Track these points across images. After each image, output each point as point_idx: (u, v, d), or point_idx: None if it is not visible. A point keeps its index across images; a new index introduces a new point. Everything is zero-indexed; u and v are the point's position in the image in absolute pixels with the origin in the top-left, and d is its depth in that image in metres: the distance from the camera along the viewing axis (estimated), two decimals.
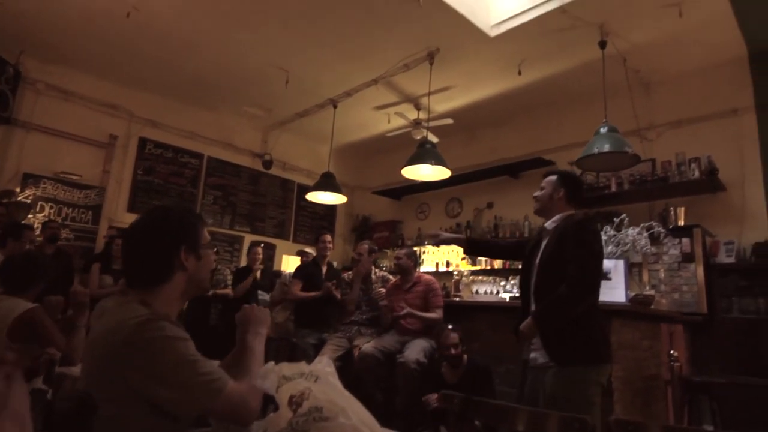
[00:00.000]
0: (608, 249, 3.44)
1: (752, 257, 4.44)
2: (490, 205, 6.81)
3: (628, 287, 3.19)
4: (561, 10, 4.26)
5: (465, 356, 3.08)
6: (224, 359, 1.38)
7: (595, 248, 2.19)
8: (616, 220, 3.66)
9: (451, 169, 4.86)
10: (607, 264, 2.97)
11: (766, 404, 3.64)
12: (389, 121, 6.64)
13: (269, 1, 4.46)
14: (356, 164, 8.62)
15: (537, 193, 2.43)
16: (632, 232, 3.57)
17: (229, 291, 5.29)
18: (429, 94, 5.38)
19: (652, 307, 3.36)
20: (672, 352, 3.55)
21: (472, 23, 4.58)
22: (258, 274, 5.24)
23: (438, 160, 4.68)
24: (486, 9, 4.74)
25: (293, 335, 4.37)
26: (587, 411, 2.00)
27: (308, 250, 5.35)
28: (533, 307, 2.26)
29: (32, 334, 2.27)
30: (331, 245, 4.57)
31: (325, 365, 1.36)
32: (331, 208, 8.27)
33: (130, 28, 4.83)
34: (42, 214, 5.51)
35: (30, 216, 5.38)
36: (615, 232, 3.60)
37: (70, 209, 5.74)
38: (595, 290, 2.16)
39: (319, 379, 1.29)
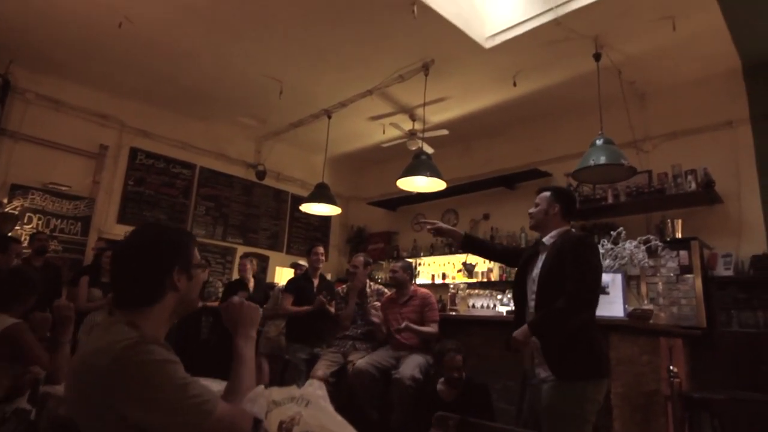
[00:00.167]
0: (606, 262, 3.42)
1: (750, 270, 4.41)
2: (486, 217, 6.77)
3: (626, 301, 3.16)
4: (555, 22, 4.28)
5: (463, 373, 3.01)
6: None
7: (593, 263, 2.21)
8: (614, 233, 3.65)
9: (446, 181, 4.84)
10: (605, 278, 2.96)
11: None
12: (384, 132, 6.62)
13: (263, 12, 4.43)
14: (351, 175, 8.58)
15: (532, 210, 2.46)
16: (629, 245, 3.55)
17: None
18: (424, 104, 5.35)
19: (651, 321, 3.31)
20: (671, 367, 3.50)
21: (467, 35, 4.59)
22: (251, 286, 5.16)
23: (433, 172, 4.66)
24: (481, 21, 4.75)
25: (285, 351, 4.27)
26: (581, 428, 2.06)
27: (302, 262, 5.28)
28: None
29: (15, 352, 2.18)
30: (323, 257, 4.49)
31: (316, 388, 1.30)
32: (326, 219, 8.20)
33: (122, 38, 4.79)
34: (30, 226, 5.41)
35: (17, 228, 5.28)
36: (612, 246, 3.58)
37: (59, 221, 5.65)
38: (592, 305, 2.17)
39: (311, 403, 1.23)
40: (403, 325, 3.46)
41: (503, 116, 6.21)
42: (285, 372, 4.14)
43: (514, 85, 5.20)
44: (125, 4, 4.35)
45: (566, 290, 2.12)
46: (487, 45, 4.75)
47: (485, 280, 6.22)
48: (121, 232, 5.95)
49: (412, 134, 6.25)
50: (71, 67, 5.57)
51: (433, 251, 7.06)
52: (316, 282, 4.36)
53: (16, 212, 5.33)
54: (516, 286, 2.46)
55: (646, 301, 4.15)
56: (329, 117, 6.17)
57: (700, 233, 4.63)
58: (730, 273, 4.48)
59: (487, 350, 3.40)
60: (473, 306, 4.31)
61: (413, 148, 6.04)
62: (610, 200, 5.17)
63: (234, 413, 1.13)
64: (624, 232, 3.68)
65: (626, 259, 3.54)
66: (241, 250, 7.03)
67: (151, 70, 5.53)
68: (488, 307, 4.23)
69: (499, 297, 4.33)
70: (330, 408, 1.26)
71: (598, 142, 4.16)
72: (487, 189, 6.63)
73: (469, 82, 5.50)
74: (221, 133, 7.13)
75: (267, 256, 7.41)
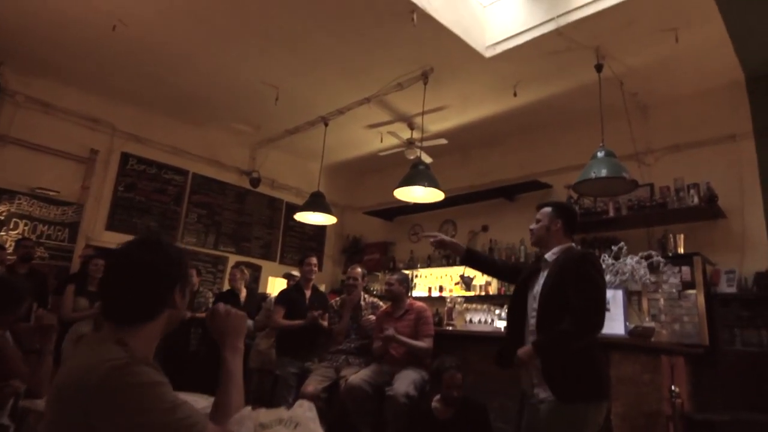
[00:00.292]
0: (606, 278, 3.32)
1: (754, 287, 4.32)
2: (485, 228, 6.66)
3: (627, 318, 3.09)
4: (557, 32, 4.24)
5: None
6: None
7: (599, 283, 2.18)
8: (615, 248, 3.59)
9: (444, 191, 4.77)
10: (606, 294, 2.86)
11: None
12: (382, 140, 6.54)
13: (259, 17, 4.36)
14: (347, 183, 8.47)
15: (533, 226, 2.42)
16: (631, 261, 3.48)
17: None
18: (423, 113, 5.28)
19: (653, 339, 3.23)
20: (673, 387, 3.40)
21: (466, 43, 4.53)
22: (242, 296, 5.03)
23: (431, 182, 4.58)
24: (481, 29, 4.70)
25: (275, 365, 4.13)
26: None
27: (295, 272, 5.15)
28: (531, 338, 2.22)
29: None
30: (316, 268, 4.37)
31: (306, 410, 1.27)
32: (321, 229, 8.06)
33: (116, 41, 4.70)
34: (15, 232, 5.28)
35: (2, 233, 5.14)
36: (613, 261, 3.50)
37: (46, 226, 5.51)
38: (600, 327, 2.15)
39: (299, 425, 1.22)
40: (389, 331, 3.35)
41: (503, 126, 6.15)
42: (275, 391, 4.00)
43: (515, 94, 5.14)
44: (120, 7, 4.27)
45: (572, 311, 2.08)
46: (488, 54, 4.70)
47: (483, 293, 6.11)
48: (109, 239, 5.81)
49: (410, 143, 6.17)
50: (63, 70, 5.47)
51: (430, 263, 6.94)
52: (308, 294, 4.23)
53: (2, 218, 5.20)
54: (515, 302, 2.42)
55: (647, 318, 4.06)
56: (326, 124, 6.08)
57: (702, 249, 4.55)
58: (733, 290, 4.39)
59: (484, 367, 3.29)
60: (470, 321, 4.19)
61: (411, 157, 5.97)
62: (611, 213, 5.10)
63: None
64: (625, 247, 3.62)
65: (627, 275, 3.47)
66: (233, 259, 6.90)
67: (145, 73, 5.44)
68: (486, 322, 4.12)
69: (497, 312, 4.21)
70: (320, 430, 1.23)
71: (600, 154, 4.11)
72: (486, 200, 6.53)
73: (468, 91, 5.43)
74: (215, 139, 7.02)
75: (260, 266, 7.27)
